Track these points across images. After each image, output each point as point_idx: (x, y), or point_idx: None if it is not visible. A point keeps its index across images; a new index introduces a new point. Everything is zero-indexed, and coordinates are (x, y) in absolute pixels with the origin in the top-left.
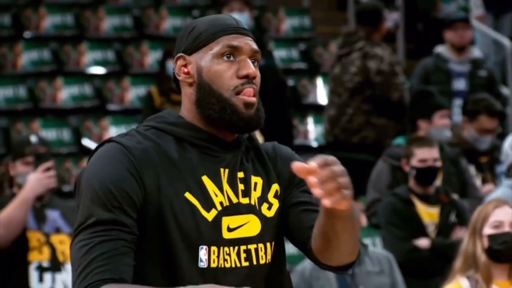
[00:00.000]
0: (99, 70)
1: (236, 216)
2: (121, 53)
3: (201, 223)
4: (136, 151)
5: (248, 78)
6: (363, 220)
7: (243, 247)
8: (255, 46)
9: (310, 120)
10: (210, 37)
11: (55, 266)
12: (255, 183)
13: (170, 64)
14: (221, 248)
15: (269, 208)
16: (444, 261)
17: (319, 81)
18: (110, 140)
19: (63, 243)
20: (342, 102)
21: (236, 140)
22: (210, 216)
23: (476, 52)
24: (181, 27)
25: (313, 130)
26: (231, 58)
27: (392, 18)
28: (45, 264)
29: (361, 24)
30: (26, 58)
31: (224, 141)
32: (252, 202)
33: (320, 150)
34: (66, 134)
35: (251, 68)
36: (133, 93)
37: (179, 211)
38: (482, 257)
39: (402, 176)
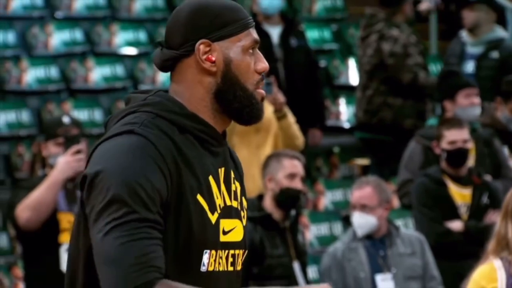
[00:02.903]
0: (131, 50)
1: (229, 220)
2: (153, 34)
3: (208, 226)
4: (160, 146)
5: (263, 73)
6: (395, 202)
7: (231, 252)
8: None
9: (342, 101)
10: (239, 28)
11: None
12: (237, 188)
13: None
14: (218, 251)
15: (244, 217)
16: (477, 244)
17: (351, 62)
18: (130, 131)
19: None
20: (362, 84)
21: (224, 134)
22: (213, 219)
23: (498, 33)
24: None
25: (345, 111)
26: (252, 52)
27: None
28: None
29: (382, 5)
30: (57, 38)
31: (219, 134)
32: (239, 207)
33: (351, 131)
34: (97, 115)
35: (266, 62)
36: (165, 74)
37: (192, 213)
38: None
39: (434, 156)
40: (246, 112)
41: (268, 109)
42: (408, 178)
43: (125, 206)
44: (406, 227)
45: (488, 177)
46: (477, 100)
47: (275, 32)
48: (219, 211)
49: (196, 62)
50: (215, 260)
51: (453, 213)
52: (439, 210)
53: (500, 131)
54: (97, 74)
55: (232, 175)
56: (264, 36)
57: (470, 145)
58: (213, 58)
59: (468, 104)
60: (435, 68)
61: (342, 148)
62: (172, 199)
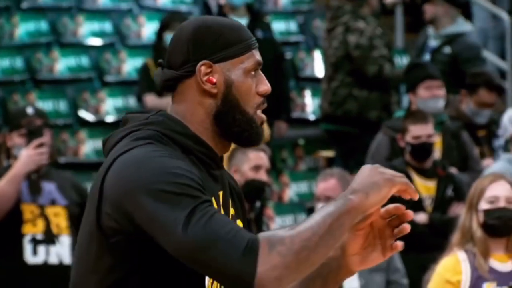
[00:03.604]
0: (96, 41)
1: None
2: (119, 25)
3: None
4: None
5: (265, 95)
6: None
7: None
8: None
9: (307, 93)
10: (242, 49)
11: (49, 238)
12: (234, 212)
13: (169, 36)
14: None
15: None
16: (441, 236)
17: (317, 54)
18: (148, 143)
19: (57, 216)
20: (328, 76)
21: (221, 157)
22: None
23: (457, 28)
24: None
25: (310, 103)
26: (254, 74)
27: None
28: (39, 236)
29: None
30: (23, 29)
31: (218, 158)
32: None
33: (316, 123)
34: (62, 105)
35: (268, 84)
36: (130, 65)
37: None
38: (478, 232)
39: (401, 148)
40: (245, 136)
41: None
42: None
43: (185, 198)
44: None
45: (453, 170)
46: (439, 92)
47: None
48: None
49: (197, 83)
50: (212, 284)
51: (418, 206)
52: (404, 202)
53: (464, 123)
54: (62, 64)
55: (230, 199)
56: None
57: (435, 140)
58: (214, 80)
59: (429, 96)
60: (400, 60)
61: (307, 140)
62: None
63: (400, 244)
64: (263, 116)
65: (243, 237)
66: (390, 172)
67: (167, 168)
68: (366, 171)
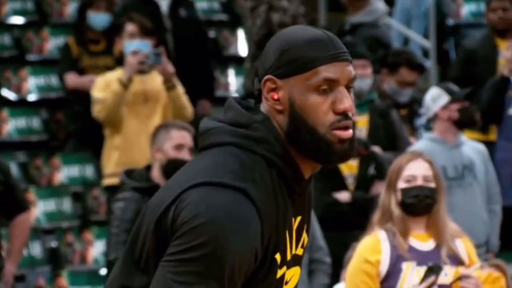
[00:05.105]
0: (18, 20)
1: (292, 268)
2: (41, 3)
3: (274, 283)
4: (262, 206)
5: (346, 114)
6: None
7: None
8: (353, 73)
9: (231, 72)
10: (307, 66)
11: None
12: (306, 238)
13: (91, 15)
14: None
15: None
16: (363, 215)
17: (241, 33)
18: (239, 189)
19: None
20: (251, 55)
21: (310, 177)
22: (281, 273)
23: (365, 17)
24: None
25: (234, 82)
26: (327, 90)
27: None
28: None
29: None
30: None
31: (304, 183)
32: (302, 254)
33: None
34: None
35: (349, 103)
36: (53, 43)
37: (266, 270)
38: (397, 211)
39: None
40: (315, 157)
41: (157, 80)
42: None
43: (204, 277)
44: None
45: (376, 149)
46: (363, 71)
47: (164, 3)
48: (286, 263)
49: (265, 98)
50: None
51: (340, 184)
52: (327, 180)
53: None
54: None
55: (305, 224)
56: (153, 6)
57: (356, 119)
58: (276, 96)
59: None
60: None
61: None
62: (255, 265)
63: None
64: (342, 134)
65: None
66: None
67: (229, 250)
68: None
